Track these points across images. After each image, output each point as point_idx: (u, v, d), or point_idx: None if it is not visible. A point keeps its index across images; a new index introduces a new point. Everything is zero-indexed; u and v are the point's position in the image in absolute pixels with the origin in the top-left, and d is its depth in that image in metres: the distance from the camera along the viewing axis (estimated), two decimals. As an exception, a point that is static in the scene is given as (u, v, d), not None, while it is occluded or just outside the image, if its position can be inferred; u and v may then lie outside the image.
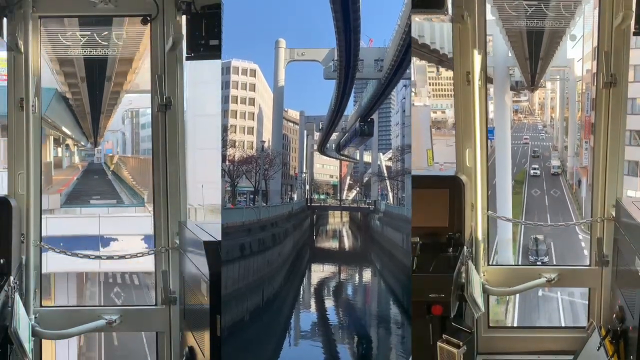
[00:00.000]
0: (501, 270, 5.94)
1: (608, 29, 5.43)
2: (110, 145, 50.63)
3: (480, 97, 5.52)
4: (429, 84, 47.90)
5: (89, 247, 21.59)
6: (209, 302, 4.11)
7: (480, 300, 5.02)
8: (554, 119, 56.38)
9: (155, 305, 5.62)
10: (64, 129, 32.89)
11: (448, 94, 47.94)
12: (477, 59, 5.42)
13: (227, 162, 50.31)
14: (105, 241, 23.88)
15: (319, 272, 47.35)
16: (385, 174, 68.50)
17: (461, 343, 4.78)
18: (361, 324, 33.29)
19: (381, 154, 72.14)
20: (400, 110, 61.50)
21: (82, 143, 41.61)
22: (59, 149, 40.74)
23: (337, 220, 75.51)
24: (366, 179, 75.59)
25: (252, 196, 53.28)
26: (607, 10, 5.42)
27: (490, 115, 41.37)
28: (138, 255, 5.74)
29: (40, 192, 5.48)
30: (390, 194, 66.05)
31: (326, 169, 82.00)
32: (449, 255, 5.06)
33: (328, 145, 71.56)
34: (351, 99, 55.80)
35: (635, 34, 5.16)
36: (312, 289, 41.90)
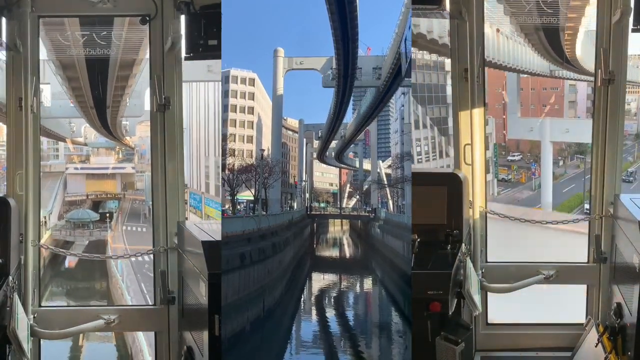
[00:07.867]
0: (500, 267, 5.92)
1: (606, 26, 5.37)
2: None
3: (478, 93, 5.49)
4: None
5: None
6: (208, 301, 4.11)
7: (477, 298, 5.01)
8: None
9: (154, 305, 5.61)
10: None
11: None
12: (475, 55, 5.41)
13: (226, 171, 50.27)
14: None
15: (319, 281, 47.16)
16: (385, 182, 68.36)
17: (460, 340, 4.76)
18: (362, 333, 33.07)
19: (380, 161, 72.00)
20: (399, 117, 61.42)
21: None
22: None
23: (337, 229, 75.30)
24: (366, 186, 75.36)
25: (251, 205, 53.19)
26: (605, 6, 5.37)
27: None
28: (137, 255, 5.75)
29: (39, 192, 5.45)
30: (390, 202, 65.90)
31: (326, 177, 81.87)
32: (447, 252, 5.03)
33: (327, 153, 71.53)
34: (350, 106, 55.94)
35: (633, 30, 5.11)
36: (313, 298, 41.68)
